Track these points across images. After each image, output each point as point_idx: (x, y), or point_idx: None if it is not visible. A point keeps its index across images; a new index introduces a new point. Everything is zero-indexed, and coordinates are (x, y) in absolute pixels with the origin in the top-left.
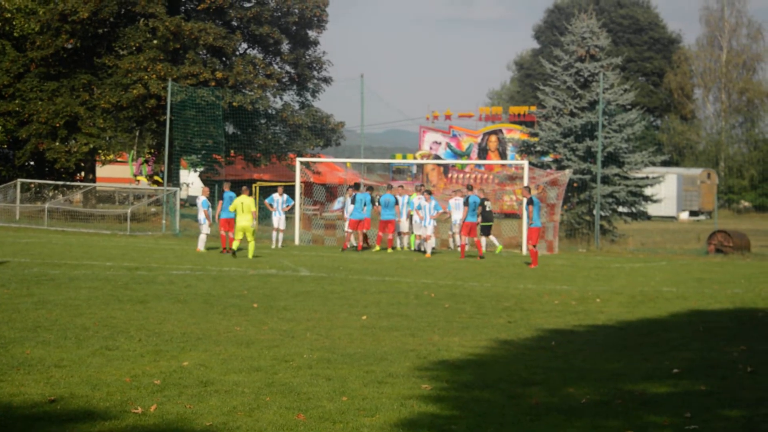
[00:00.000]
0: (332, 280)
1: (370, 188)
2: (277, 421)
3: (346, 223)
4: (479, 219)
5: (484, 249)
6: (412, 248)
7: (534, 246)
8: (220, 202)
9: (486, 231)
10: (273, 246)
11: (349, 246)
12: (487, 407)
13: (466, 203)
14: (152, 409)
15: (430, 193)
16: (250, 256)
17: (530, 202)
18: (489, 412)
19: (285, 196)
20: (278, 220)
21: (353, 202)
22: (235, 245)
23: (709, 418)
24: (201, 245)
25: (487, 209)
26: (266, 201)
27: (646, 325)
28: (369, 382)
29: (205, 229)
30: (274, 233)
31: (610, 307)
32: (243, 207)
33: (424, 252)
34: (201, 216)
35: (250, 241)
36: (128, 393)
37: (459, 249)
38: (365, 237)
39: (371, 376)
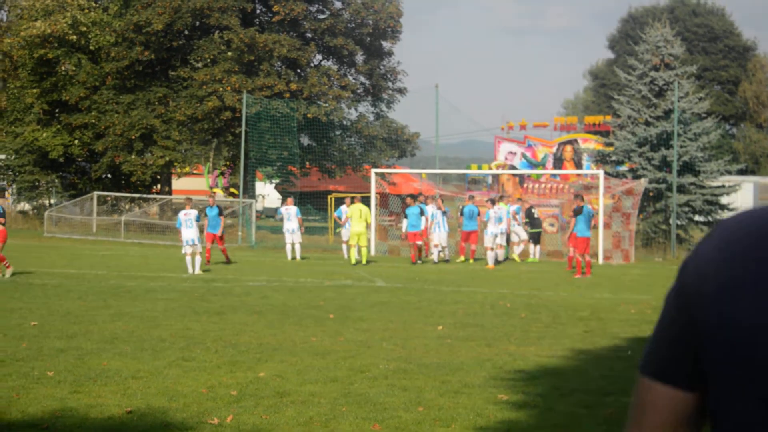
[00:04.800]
0: (408, 291)
1: (412, 197)
2: (353, 431)
3: (433, 238)
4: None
5: (532, 257)
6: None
7: (583, 255)
8: (206, 218)
9: (535, 238)
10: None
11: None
12: (563, 417)
13: (579, 212)
14: (228, 419)
15: (493, 202)
16: (364, 261)
17: (579, 210)
18: (564, 422)
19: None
20: (347, 233)
21: (406, 216)
22: (352, 253)
23: None
24: (297, 255)
25: (535, 216)
26: (335, 214)
27: None
28: (445, 392)
29: (297, 237)
30: (344, 246)
31: None
32: (361, 214)
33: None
34: (292, 226)
35: (363, 246)
36: (204, 404)
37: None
38: (419, 249)
39: (447, 386)
